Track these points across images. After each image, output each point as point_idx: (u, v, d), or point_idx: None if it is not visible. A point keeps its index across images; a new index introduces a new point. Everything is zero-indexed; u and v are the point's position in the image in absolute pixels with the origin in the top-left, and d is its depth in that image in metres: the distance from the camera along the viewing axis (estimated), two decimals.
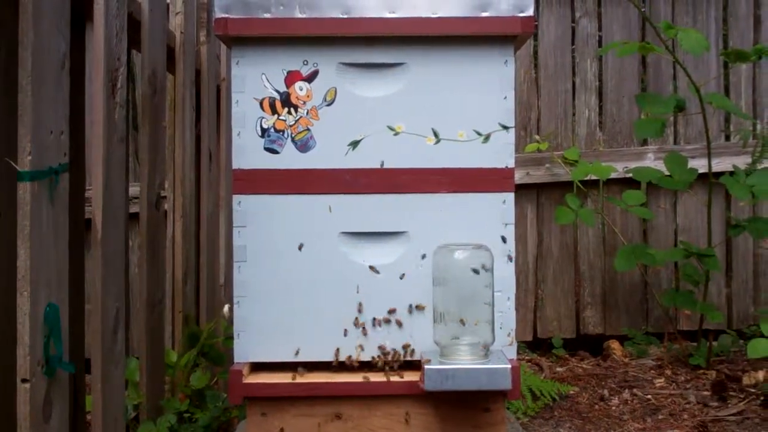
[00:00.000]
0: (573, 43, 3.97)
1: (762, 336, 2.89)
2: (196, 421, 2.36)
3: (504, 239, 1.88)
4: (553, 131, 3.93)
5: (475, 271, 1.78)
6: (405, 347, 1.87)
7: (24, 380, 1.44)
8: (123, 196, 2.02)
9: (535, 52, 3.96)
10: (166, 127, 2.57)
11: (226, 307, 2.66)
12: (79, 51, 1.99)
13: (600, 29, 3.98)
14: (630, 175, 3.58)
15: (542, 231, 3.96)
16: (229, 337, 2.72)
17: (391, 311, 1.86)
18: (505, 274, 1.87)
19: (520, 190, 3.90)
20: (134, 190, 3.38)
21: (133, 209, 3.30)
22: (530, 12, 1.83)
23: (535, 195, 3.95)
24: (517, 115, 3.94)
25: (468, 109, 1.86)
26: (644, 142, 3.93)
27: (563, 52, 3.96)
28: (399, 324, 1.86)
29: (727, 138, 3.94)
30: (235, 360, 1.86)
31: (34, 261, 1.44)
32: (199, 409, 2.43)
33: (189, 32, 2.78)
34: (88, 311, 1.98)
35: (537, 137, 3.88)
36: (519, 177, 3.85)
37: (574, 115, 3.96)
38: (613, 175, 3.70)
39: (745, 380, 3.18)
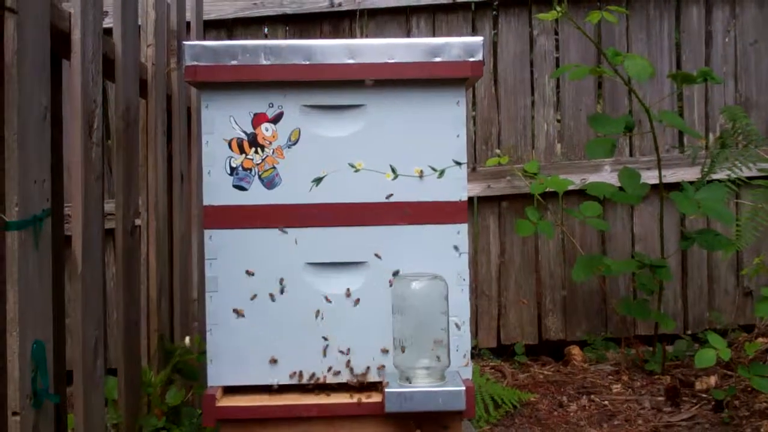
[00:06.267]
0: (531, 60, 4.11)
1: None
2: None
3: (458, 268, 2.01)
4: (513, 145, 4.07)
5: (431, 300, 1.91)
6: (367, 369, 2.01)
7: (14, 413, 1.56)
8: (100, 231, 2.14)
9: (495, 69, 4.10)
10: (139, 161, 2.67)
11: (187, 339, 2.78)
12: (56, 85, 2.10)
13: (557, 46, 4.13)
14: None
15: (504, 241, 4.10)
16: (202, 353, 2.85)
17: (354, 337, 2.00)
18: (460, 300, 2.01)
19: (483, 202, 4.05)
20: (109, 207, 3.48)
21: (109, 225, 3.39)
22: (480, 57, 1.97)
23: (497, 207, 4.09)
24: (479, 130, 4.09)
25: (423, 147, 2.00)
26: None
27: (522, 68, 4.10)
28: (362, 349, 2.00)
29: (682, 151, 4.10)
30: (209, 384, 1.99)
31: (22, 303, 1.56)
32: (175, 425, 2.55)
33: (160, 63, 2.89)
34: (68, 324, 2.12)
35: (498, 151, 4.03)
36: (481, 189, 3.99)
37: (533, 128, 4.10)
38: (572, 187, 3.85)
39: (698, 385, 3.34)
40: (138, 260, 2.61)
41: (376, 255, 2.00)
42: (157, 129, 2.84)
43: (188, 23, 3.46)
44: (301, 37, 4.01)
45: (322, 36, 4.02)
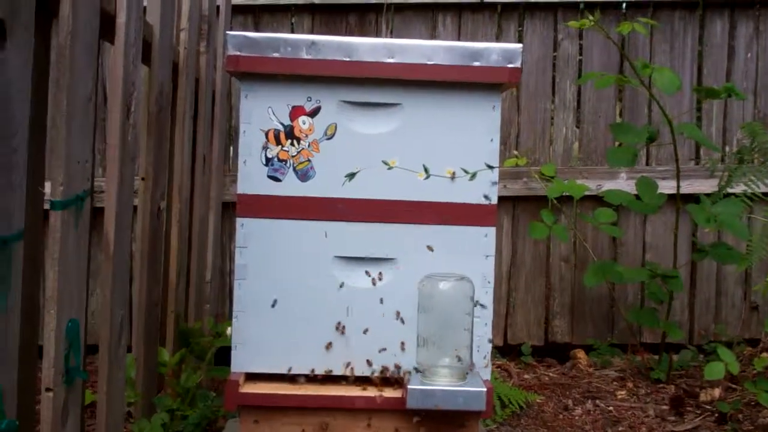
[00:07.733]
0: (554, 64, 4.13)
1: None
2: (186, 418, 2.51)
3: (484, 270, 2.04)
4: (531, 147, 4.10)
5: (457, 301, 1.94)
6: (389, 365, 2.04)
7: (48, 389, 1.59)
8: (131, 211, 2.17)
9: None
10: (168, 144, 2.70)
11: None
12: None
13: (581, 52, 4.14)
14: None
15: (516, 242, 4.13)
16: (217, 335, 2.88)
17: (378, 332, 2.03)
18: (484, 302, 2.03)
19: (498, 202, 4.06)
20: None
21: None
22: (518, 63, 2.00)
23: (511, 207, 4.11)
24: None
25: (457, 149, 2.03)
26: None
27: (545, 72, 4.12)
28: (385, 344, 2.03)
29: (698, 163, 4.12)
30: (232, 370, 2.02)
31: (61, 282, 1.59)
32: (190, 406, 2.58)
33: (192, 48, 2.92)
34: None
35: (516, 153, 4.05)
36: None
37: (552, 132, 4.12)
38: (587, 192, 3.87)
39: (702, 397, 3.37)
40: (161, 242, 2.64)
41: (405, 252, 2.03)
42: (186, 112, 2.87)
43: (217, 7, 3.49)
44: (326, 27, 4.03)
45: (347, 28, 4.04)
